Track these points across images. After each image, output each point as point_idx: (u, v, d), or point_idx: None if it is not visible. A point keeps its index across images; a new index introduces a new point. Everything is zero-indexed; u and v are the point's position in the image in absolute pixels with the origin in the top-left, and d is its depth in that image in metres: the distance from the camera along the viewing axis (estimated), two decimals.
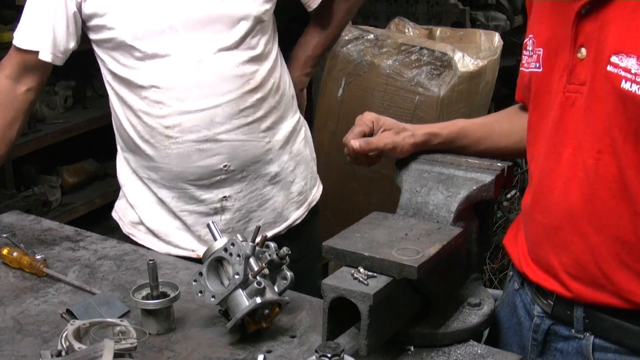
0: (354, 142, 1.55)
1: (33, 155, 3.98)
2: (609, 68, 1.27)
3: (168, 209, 2.07)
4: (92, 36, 2.00)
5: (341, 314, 1.30)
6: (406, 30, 3.90)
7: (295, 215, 2.19)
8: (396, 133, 1.57)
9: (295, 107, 2.20)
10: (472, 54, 3.62)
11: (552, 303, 1.45)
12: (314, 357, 1.23)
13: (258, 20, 1.99)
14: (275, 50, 2.10)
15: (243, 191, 2.05)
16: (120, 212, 2.19)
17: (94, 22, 1.96)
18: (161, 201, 2.06)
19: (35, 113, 4.03)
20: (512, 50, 4.05)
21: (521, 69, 1.50)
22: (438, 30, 3.94)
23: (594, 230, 1.34)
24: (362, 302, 1.25)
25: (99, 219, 4.26)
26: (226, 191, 2.03)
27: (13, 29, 3.75)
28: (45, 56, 2.01)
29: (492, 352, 1.42)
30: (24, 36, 2.02)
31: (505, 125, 1.67)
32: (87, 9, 1.95)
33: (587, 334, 1.42)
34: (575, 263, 1.38)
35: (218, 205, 2.03)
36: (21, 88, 2.04)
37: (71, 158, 4.31)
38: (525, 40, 1.48)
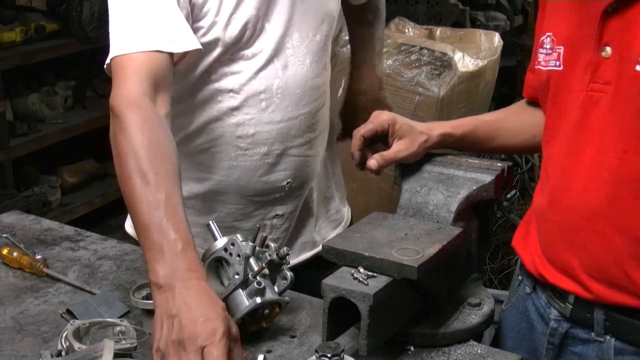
0: (372, 162, 1.55)
1: (33, 155, 3.99)
2: (638, 68, 1.26)
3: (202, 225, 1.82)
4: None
5: (341, 314, 1.30)
6: (406, 30, 3.90)
7: (333, 234, 2.01)
8: (411, 141, 1.56)
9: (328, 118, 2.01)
10: (472, 54, 3.62)
11: (571, 305, 1.44)
12: (314, 357, 1.23)
13: (333, 21, 1.85)
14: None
15: (295, 210, 1.88)
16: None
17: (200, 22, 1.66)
18: (197, 213, 1.84)
19: (35, 113, 4.04)
20: (512, 50, 4.06)
21: (537, 67, 1.48)
22: (438, 30, 3.95)
23: (615, 230, 1.33)
24: (362, 302, 1.25)
25: (99, 219, 4.27)
26: (280, 209, 1.85)
27: (13, 29, 3.78)
28: (195, 44, 1.59)
29: (492, 352, 1.42)
30: (158, 38, 1.54)
31: (514, 122, 1.66)
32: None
33: (608, 337, 1.41)
34: (595, 264, 1.37)
35: (268, 222, 1.86)
36: (161, 112, 1.52)
37: (71, 158, 4.31)
38: (541, 38, 1.46)
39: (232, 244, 1.45)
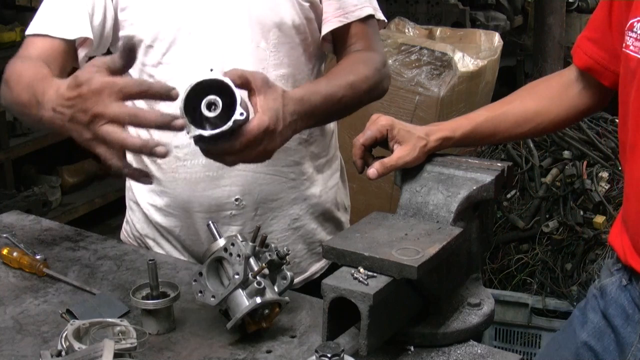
0: (371, 171, 1.54)
1: (33, 155, 3.99)
2: None
3: (176, 239, 1.87)
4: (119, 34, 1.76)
5: (341, 314, 1.30)
6: (406, 30, 3.90)
7: (315, 267, 1.92)
8: (413, 147, 1.54)
9: (333, 143, 1.94)
10: (472, 54, 3.62)
11: None
12: (314, 357, 1.23)
13: (296, 31, 1.75)
14: (314, 73, 1.82)
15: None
16: (131, 239, 1.97)
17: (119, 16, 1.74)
18: (167, 231, 1.86)
19: None
20: (512, 50, 4.07)
21: (625, 50, 1.46)
22: (438, 30, 3.95)
23: None
24: (362, 302, 1.25)
25: (99, 219, 4.27)
26: (236, 230, 1.76)
27: (13, 29, 3.78)
28: (84, 33, 1.71)
29: (492, 352, 1.42)
30: (54, 24, 1.73)
31: (517, 112, 1.65)
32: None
33: None
34: None
35: None
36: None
37: (71, 158, 4.31)
38: (631, 21, 1.44)
39: (232, 244, 1.45)
